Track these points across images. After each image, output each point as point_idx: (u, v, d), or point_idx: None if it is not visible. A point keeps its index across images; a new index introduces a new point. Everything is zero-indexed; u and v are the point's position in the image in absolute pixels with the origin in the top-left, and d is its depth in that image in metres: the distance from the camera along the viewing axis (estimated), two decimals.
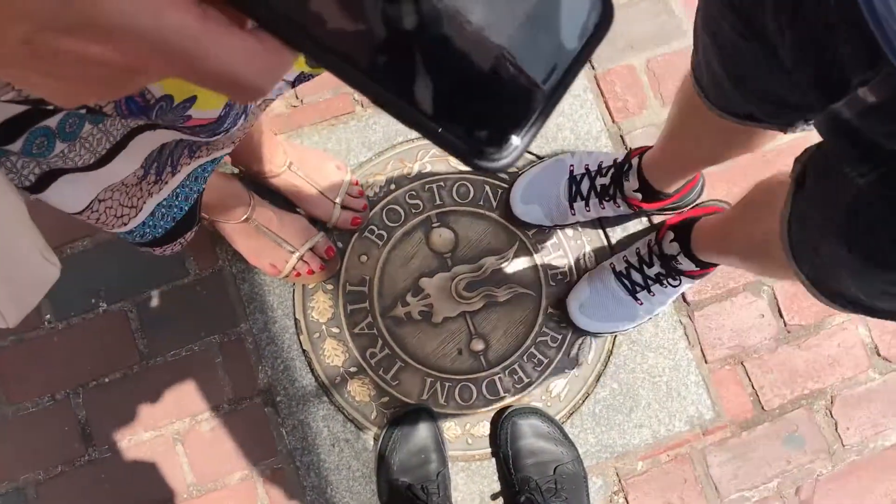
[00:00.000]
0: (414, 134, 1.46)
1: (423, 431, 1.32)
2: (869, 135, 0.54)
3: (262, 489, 1.35)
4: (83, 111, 0.54)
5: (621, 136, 1.51)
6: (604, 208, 1.38)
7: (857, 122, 0.54)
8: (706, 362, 1.44)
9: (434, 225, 1.45)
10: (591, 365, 1.43)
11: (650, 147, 1.30)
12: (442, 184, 1.47)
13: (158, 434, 1.36)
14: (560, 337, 1.43)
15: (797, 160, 0.77)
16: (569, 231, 1.46)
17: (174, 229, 0.90)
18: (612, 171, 1.34)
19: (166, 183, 0.81)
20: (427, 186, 1.46)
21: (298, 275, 1.36)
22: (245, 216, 1.28)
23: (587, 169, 1.37)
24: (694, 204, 1.41)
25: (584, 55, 0.31)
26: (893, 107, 0.49)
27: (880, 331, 1.48)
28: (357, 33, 0.29)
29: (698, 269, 1.27)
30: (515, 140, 0.30)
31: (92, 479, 1.34)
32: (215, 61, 0.26)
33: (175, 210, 0.88)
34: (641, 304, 1.36)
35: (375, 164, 1.47)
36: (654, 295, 1.35)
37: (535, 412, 1.36)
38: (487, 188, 1.47)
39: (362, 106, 1.49)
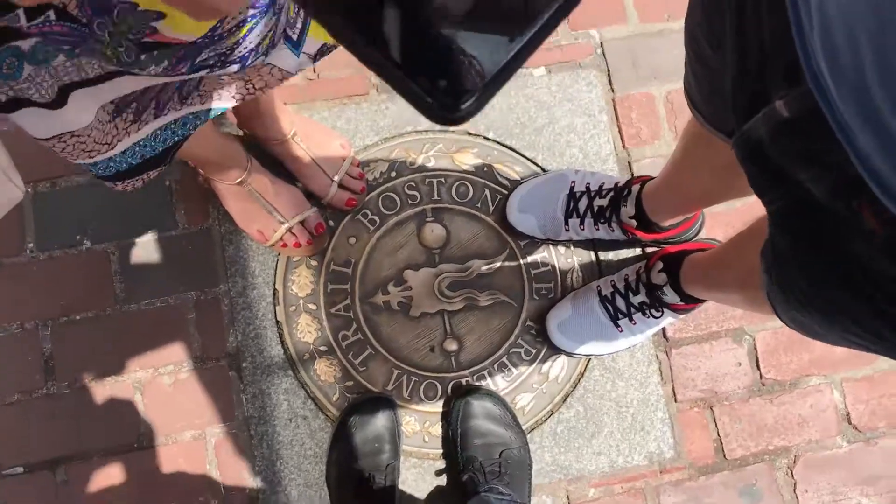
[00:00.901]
0: (423, 126, 1.46)
1: (381, 421, 1.32)
2: (777, 160, 0.53)
3: (212, 451, 1.35)
4: (52, 17, 0.54)
5: (629, 163, 1.50)
6: (598, 230, 1.37)
7: (769, 141, 0.53)
8: (676, 401, 1.43)
9: (428, 219, 1.44)
10: (560, 384, 1.42)
11: (653, 178, 1.29)
12: (443, 180, 1.46)
13: (119, 379, 1.35)
14: (534, 351, 1.42)
15: None
16: (560, 248, 1.46)
17: (139, 166, 0.89)
18: (611, 193, 1.33)
19: (146, 123, 0.80)
20: (427, 180, 1.46)
21: (284, 245, 1.35)
22: (240, 179, 1.28)
23: (588, 188, 1.36)
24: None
25: (551, 21, 0.31)
26: (804, 124, 0.49)
27: (854, 398, 1.47)
28: None
29: (683, 303, 1.26)
30: (474, 94, 0.31)
31: (46, 412, 1.33)
32: None
33: (147, 149, 0.87)
34: (621, 331, 1.35)
35: (380, 149, 1.46)
36: (635, 324, 1.34)
37: (490, 394, 1.35)
38: (487, 191, 1.46)
39: (377, 90, 1.48)
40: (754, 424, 1.43)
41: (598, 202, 1.35)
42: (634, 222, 1.31)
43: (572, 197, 1.37)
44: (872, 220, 0.48)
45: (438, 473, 1.37)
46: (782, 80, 0.52)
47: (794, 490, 1.42)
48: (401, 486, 1.34)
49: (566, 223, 1.38)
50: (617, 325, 1.34)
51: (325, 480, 1.33)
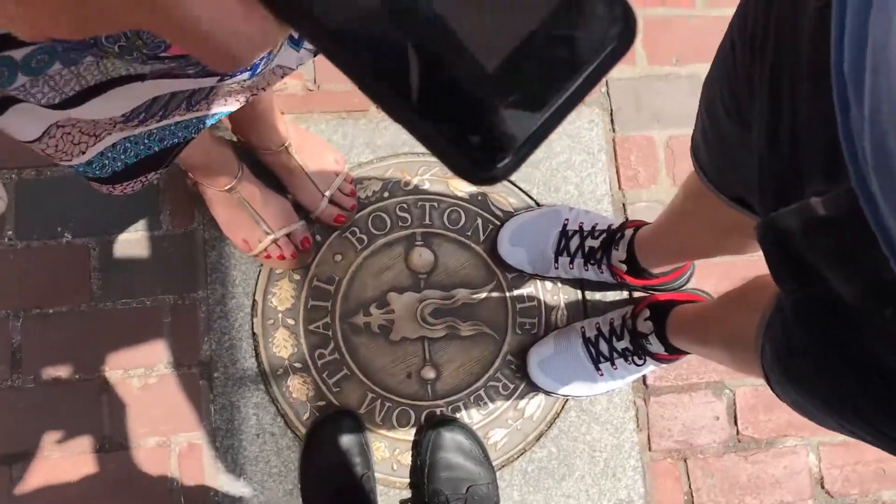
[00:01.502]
0: (419, 147, 1.43)
1: (347, 434, 1.29)
2: (806, 254, 0.51)
3: (175, 460, 1.32)
4: (57, 47, 0.52)
5: (624, 205, 1.49)
6: (587, 270, 1.35)
7: (800, 235, 0.51)
8: (650, 450, 1.41)
9: (417, 243, 1.42)
10: (535, 422, 1.40)
11: (648, 223, 1.27)
12: (435, 204, 1.44)
13: (87, 378, 1.32)
14: (512, 387, 1.40)
15: None
16: (548, 284, 1.44)
17: (136, 166, 0.85)
18: (603, 235, 1.32)
19: (146, 126, 0.78)
20: (420, 203, 1.44)
21: (268, 257, 1.33)
22: (229, 186, 1.26)
23: (581, 227, 1.35)
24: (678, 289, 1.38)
25: (596, 73, 0.29)
26: (842, 224, 0.47)
27: (830, 463, 1.45)
28: (357, 18, 0.28)
29: (666, 353, 1.25)
30: (510, 153, 0.29)
31: (8, 405, 1.30)
32: (193, 13, 0.25)
33: (142, 147, 0.83)
34: (602, 374, 1.33)
35: (375, 167, 1.44)
36: (616, 369, 1.32)
37: (463, 427, 1.33)
38: (479, 221, 1.44)
39: (376, 108, 1.46)
40: (727, 480, 1.42)
41: (589, 243, 1.33)
42: (624, 266, 1.29)
43: (564, 235, 1.36)
44: None
45: (403, 502, 1.34)
46: (820, 174, 0.50)
47: None
48: None
49: (556, 261, 1.36)
50: (598, 369, 1.33)
51: (301, 497, 1.30)
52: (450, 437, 1.31)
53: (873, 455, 1.46)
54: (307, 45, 0.83)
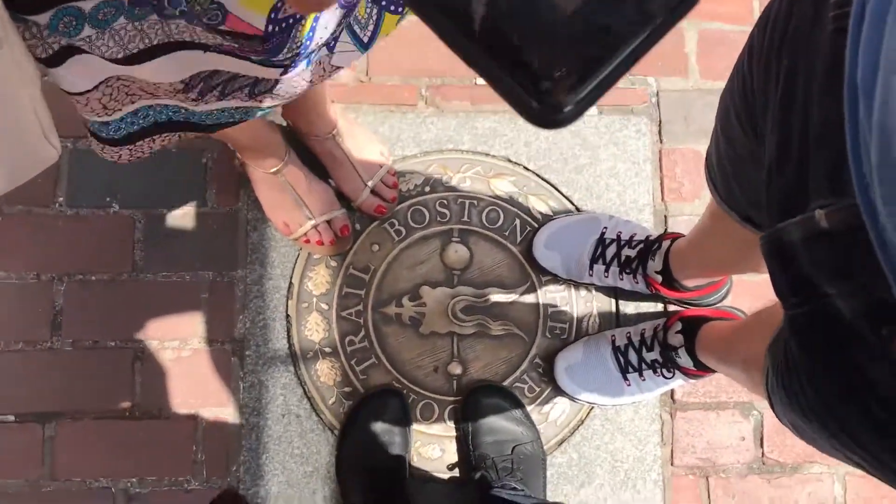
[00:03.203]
0: (465, 146, 1.45)
1: (391, 414, 1.31)
2: (807, 268, 0.51)
3: (201, 433, 1.34)
4: None
5: (665, 217, 1.48)
6: (622, 279, 1.35)
7: (802, 247, 0.51)
8: (672, 464, 1.40)
9: (454, 239, 1.43)
10: (558, 427, 1.39)
11: (684, 235, 1.27)
12: (475, 202, 1.45)
13: (123, 346, 1.36)
14: (538, 389, 1.40)
15: None
16: (582, 291, 1.43)
17: (143, 131, 0.86)
18: (641, 246, 1.31)
19: (207, 104, 0.79)
20: (459, 200, 1.44)
21: (307, 241, 1.35)
22: (276, 168, 1.28)
23: (619, 236, 1.34)
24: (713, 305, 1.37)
25: (662, 28, 0.30)
26: (844, 239, 0.46)
27: (856, 494, 1.42)
28: None
29: (695, 369, 1.24)
30: (578, 94, 0.30)
31: (46, 365, 1.34)
32: None
33: (163, 115, 0.84)
34: (629, 385, 1.32)
35: (419, 161, 1.45)
36: (644, 381, 1.31)
37: (500, 391, 1.35)
38: (517, 221, 1.45)
39: (426, 103, 1.47)
40: (748, 502, 1.40)
41: (626, 252, 1.33)
42: (660, 277, 1.29)
43: (601, 242, 1.35)
44: None
45: (451, 468, 1.36)
46: (825, 185, 0.50)
47: None
48: None
49: (591, 268, 1.36)
50: (626, 378, 1.32)
51: (335, 473, 1.33)
52: (488, 401, 1.33)
53: None
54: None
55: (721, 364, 1.16)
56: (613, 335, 1.36)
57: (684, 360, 1.24)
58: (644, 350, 1.31)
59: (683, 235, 1.27)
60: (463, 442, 1.34)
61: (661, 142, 1.51)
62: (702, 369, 1.24)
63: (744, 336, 1.05)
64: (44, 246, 1.37)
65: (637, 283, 1.34)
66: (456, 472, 1.36)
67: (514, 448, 1.28)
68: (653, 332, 1.31)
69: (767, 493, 1.40)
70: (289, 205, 1.32)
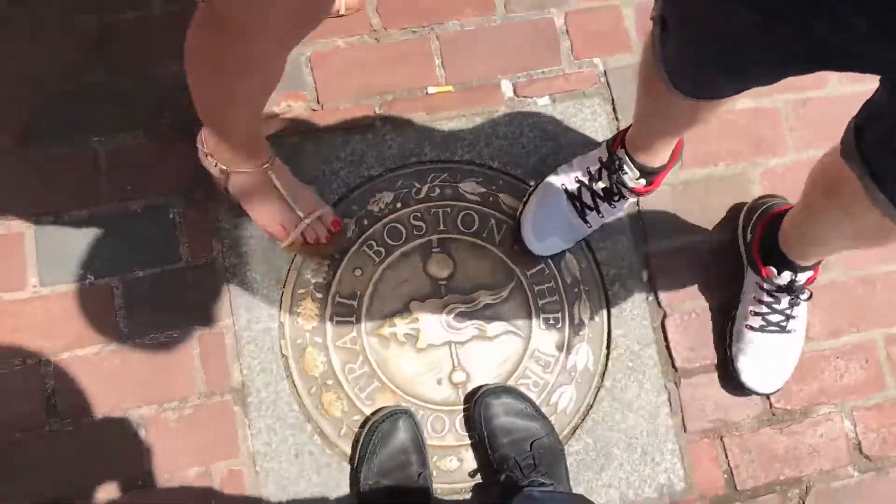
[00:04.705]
0: (427, 155, 1.45)
1: (403, 433, 1.31)
2: None
3: (218, 488, 1.32)
4: None
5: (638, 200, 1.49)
6: (614, 207, 1.37)
7: None
8: (685, 432, 1.41)
9: (434, 250, 1.43)
10: (569, 415, 1.40)
11: (626, 131, 1.30)
12: (448, 210, 1.45)
13: (123, 416, 1.33)
14: (542, 382, 1.41)
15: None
16: (567, 278, 1.45)
17: None
18: (604, 171, 1.34)
19: None
20: (433, 210, 1.45)
21: (305, 243, 1.35)
22: (266, 163, 1.27)
23: (579, 180, 1.36)
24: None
25: None
26: None
27: (865, 426, 1.45)
28: None
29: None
30: None
31: (49, 450, 1.31)
32: None
33: None
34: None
35: (385, 179, 1.45)
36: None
37: (506, 390, 1.35)
38: (493, 221, 1.45)
39: (381, 120, 1.47)
40: (765, 455, 1.42)
41: (598, 186, 1.35)
42: (643, 182, 1.31)
43: (573, 197, 1.37)
44: None
45: (472, 474, 1.37)
46: None
47: None
48: None
49: (586, 222, 1.38)
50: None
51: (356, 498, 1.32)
52: (497, 403, 1.33)
53: None
54: None
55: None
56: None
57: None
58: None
59: (625, 132, 1.30)
60: (480, 447, 1.34)
61: (617, 119, 1.52)
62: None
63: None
64: (24, 330, 1.34)
65: (627, 199, 1.36)
66: (479, 479, 1.36)
67: (532, 444, 1.29)
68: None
69: (782, 443, 1.43)
70: (280, 207, 1.32)
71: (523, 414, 1.33)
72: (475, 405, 1.35)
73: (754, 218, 1.41)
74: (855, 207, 0.92)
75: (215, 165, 1.26)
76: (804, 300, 1.34)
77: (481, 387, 1.38)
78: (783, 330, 1.37)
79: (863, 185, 0.85)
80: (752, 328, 1.38)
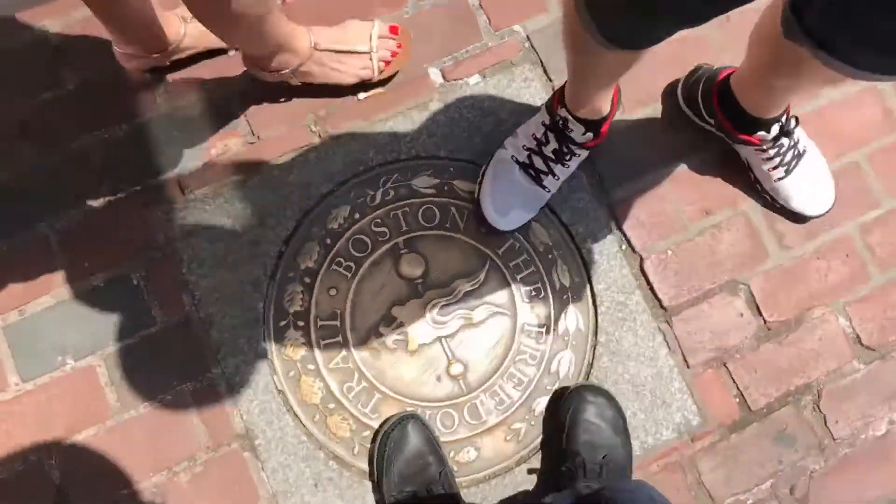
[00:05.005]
0: (374, 160, 1.45)
1: (414, 437, 1.30)
2: None
3: None
4: None
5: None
6: (568, 167, 1.38)
7: None
8: (688, 367, 1.42)
9: (402, 251, 1.43)
10: (572, 380, 1.40)
11: (562, 90, 1.31)
12: (407, 209, 1.44)
13: (137, 489, 1.32)
14: (539, 353, 1.41)
15: None
16: (539, 247, 1.44)
17: None
18: (551, 133, 1.34)
19: None
20: (392, 213, 1.44)
21: (388, 63, 1.44)
22: (314, 42, 1.34)
23: (528, 148, 1.37)
24: None
25: None
26: None
27: (860, 319, 1.47)
28: None
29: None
30: None
31: None
32: None
33: None
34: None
35: (338, 194, 1.44)
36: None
37: (607, 394, 1.35)
38: (453, 209, 1.45)
39: (319, 136, 1.46)
40: (770, 370, 1.43)
41: (548, 149, 1.36)
42: (590, 135, 1.31)
43: (524, 167, 1.37)
44: None
45: (531, 472, 1.37)
46: None
47: (826, 424, 1.42)
48: None
49: (543, 187, 1.39)
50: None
51: None
52: (594, 400, 1.32)
53: None
54: None
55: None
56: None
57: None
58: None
59: (562, 88, 1.31)
60: (557, 433, 1.33)
61: (550, 80, 1.52)
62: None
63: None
64: (17, 430, 1.33)
65: (580, 155, 1.37)
66: (510, 463, 1.36)
67: (605, 455, 1.28)
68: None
69: (784, 355, 1.44)
70: (348, 60, 1.41)
71: (611, 423, 1.32)
72: (570, 393, 1.34)
73: (702, 99, 1.42)
74: (804, 68, 0.96)
75: (281, 73, 1.35)
76: (797, 127, 1.38)
77: (585, 382, 1.38)
78: (801, 156, 1.42)
79: (817, 59, 0.87)
80: (781, 178, 1.42)
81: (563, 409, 1.34)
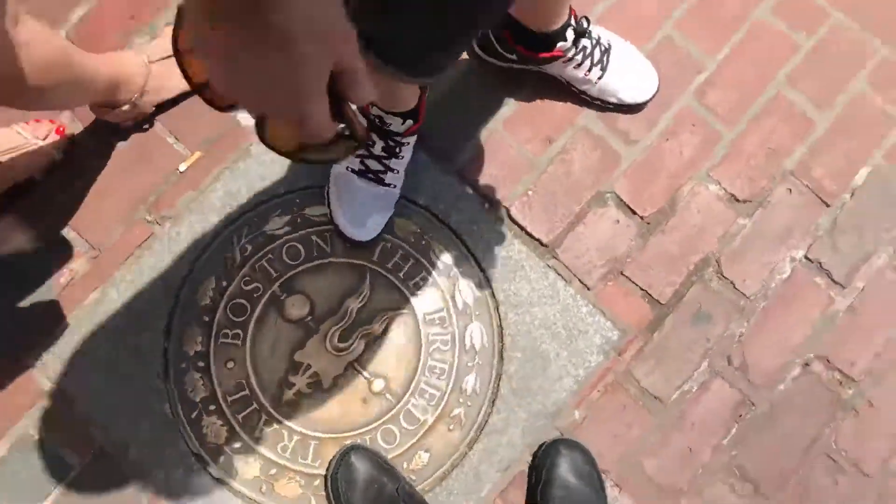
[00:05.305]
0: (219, 224, 1.42)
1: (361, 466, 1.30)
2: None
3: None
4: None
5: None
6: (403, 157, 1.37)
7: None
8: (588, 289, 1.43)
9: (282, 297, 1.41)
10: (488, 348, 1.41)
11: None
12: (271, 256, 1.43)
13: None
14: (448, 336, 1.41)
15: None
16: (410, 238, 1.44)
17: None
18: (371, 135, 1.34)
19: None
20: (257, 266, 1.42)
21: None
22: (144, 59, 1.36)
23: (358, 155, 1.35)
24: None
25: None
26: None
27: (728, 178, 1.50)
28: None
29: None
30: None
31: None
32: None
33: None
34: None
35: (196, 272, 1.41)
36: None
37: (582, 449, 1.34)
38: (315, 238, 1.43)
39: (157, 223, 1.43)
40: (665, 260, 1.45)
41: (377, 149, 1.34)
42: (410, 122, 1.30)
43: (362, 173, 1.37)
44: None
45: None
46: None
47: (735, 287, 1.45)
48: None
49: (388, 185, 1.39)
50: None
51: None
52: (568, 455, 1.32)
53: (753, 146, 1.51)
54: None
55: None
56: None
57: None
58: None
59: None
60: (533, 490, 1.33)
61: None
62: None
63: None
64: None
65: (406, 143, 1.36)
66: (463, 449, 1.36)
67: None
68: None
69: (671, 241, 1.46)
70: None
71: (586, 479, 1.32)
72: (547, 447, 1.34)
73: (497, 42, 1.43)
74: None
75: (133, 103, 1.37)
76: (591, 26, 1.40)
77: (562, 437, 1.37)
78: (609, 50, 1.45)
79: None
80: (600, 77, 1.45)
81: (539, 460, 1.35)
